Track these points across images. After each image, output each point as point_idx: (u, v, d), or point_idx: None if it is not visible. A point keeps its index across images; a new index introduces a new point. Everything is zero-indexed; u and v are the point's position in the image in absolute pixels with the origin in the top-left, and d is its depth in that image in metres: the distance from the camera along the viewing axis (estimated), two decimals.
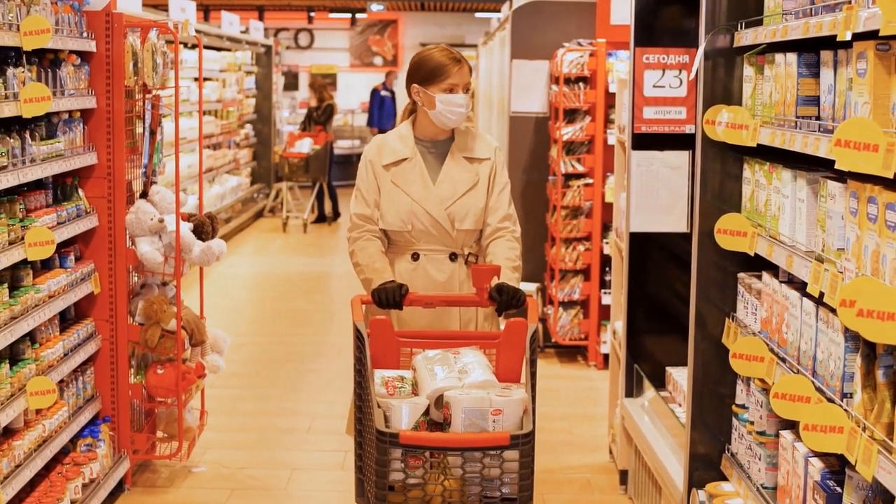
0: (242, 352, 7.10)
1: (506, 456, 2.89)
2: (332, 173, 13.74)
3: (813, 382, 2.70)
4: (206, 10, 17.85)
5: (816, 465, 2.73)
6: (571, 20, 7.28)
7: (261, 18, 18.45)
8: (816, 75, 2.80)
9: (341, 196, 13.98)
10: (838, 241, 2.59)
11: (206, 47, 11.36)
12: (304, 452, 5.35)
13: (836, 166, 2.36)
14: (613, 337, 5.18)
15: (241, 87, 13.70)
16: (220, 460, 5.15)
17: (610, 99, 6.77)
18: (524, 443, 2.88)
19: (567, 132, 6.92)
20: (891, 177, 2.17)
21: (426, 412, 3.03)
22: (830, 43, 2.63)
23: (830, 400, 2.57)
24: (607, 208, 6.63)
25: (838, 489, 2.61)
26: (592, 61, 6.85)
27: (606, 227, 6.80)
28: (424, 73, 3.68)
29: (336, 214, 13.72)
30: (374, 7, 19.71)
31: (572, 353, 7.18)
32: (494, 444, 2.88)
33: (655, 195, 4.59)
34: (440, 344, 3.31)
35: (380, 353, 3.28)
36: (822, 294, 2.58)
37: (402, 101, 18.15)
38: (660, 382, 4.55)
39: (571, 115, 7.00)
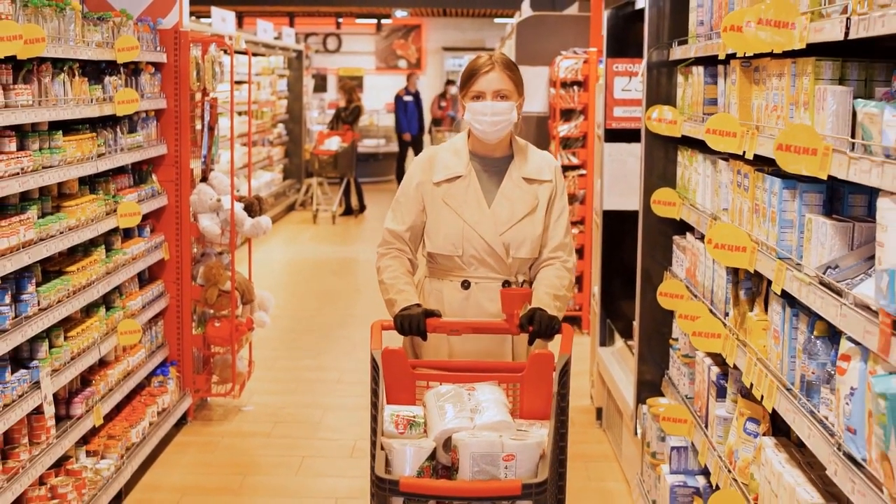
0: (280, 322, 8.11)
1: None
2: (357, 170, 14.77)
3: (710, 309, 3.67)
4: (239, 17, 18.91)
5: (714, 370, 3.71)
6: (568, 31, 8.28)
7: (291, 24, 19.50)
8: (715, 83, 3.77)
9: (366, 191, 15.07)
10: (724, 203, 3.56)
11: (244, 53, 12.42)
12: (334, 397, 6.36)
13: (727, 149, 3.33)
14: (592, 298, 6.16)
15: (274, 89, 14.77)
16: (264, 402, 6.18)
17: None
18: (538, 492, 2.56)
19: (563, 129, 7.92)
20: (740, 153, 3.15)
21: (432, 455, 2.77)
22: (725, 59, 3.61)
23: (717, 317, 3.55)
24: None
25: (724, 384, 3.59)
26: (585, 67, 7.83)
27: None
28: (461, 83, 3.46)
29: (362, 207, 14.73)
30: (399, 13, 20.76)
31: (567, 322, 8.14)
32: (504, 493, 2.57)
33: (624, 179, 5.57)
34: (458, 377, 3.05)
35: (394, 386, 3.05)
36: None
37: (426, 103, 19.09)
38: (628, 335, 5.53)
39: (567, 115, 8.00)
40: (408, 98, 17.55)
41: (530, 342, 3.23)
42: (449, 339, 3.38)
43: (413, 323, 3.18)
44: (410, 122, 17.35)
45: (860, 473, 2.20)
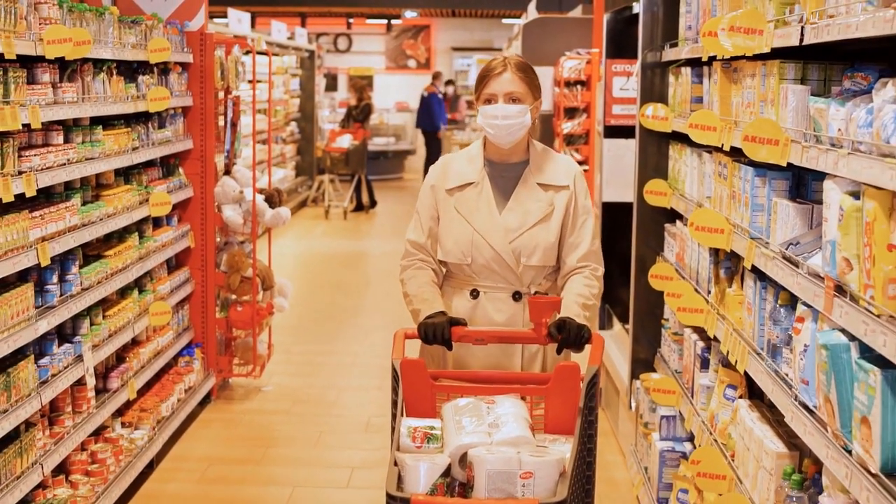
0: (296, 311, 8.47)
1: None
2: (368, 167, 15.13)
3: (695, 288, 4.03)
4: (252, 18, 19.27)
5: (699, 344, 4.06)
6: (572, 33, 8.65)
7: (303, 25, 19.87)
8: (700, 82, 4.12)
9: (376, 188, 15.45)
10: (708, 192, 3.92)
11: (260, 53, 12.80)
12: (349, 379, 6.73)
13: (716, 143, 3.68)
14: None
15: (287, 88, 15.15)
16: (283, 383, 6.56)
17: None
18: None
19: (567, 127, 8.28)
20: (719, 146, 3.51)
21: (447, 472, 2.66)
22: (709, 61, 3.96)
23: (700, 294, 3.91)
24: None
25: (708, 356, 3.94)
26: (588, 67, 8.19)
27: None
28: (475, 85, 3.39)
29: (373, 204, 15.10)
30: (409, 13, 21.13)
31: None
32: None
33: (622, 173, 5.93)
34: (480, 389, 2.97)
35: (414, 397, 2.96)
36: None
37: None
38: (626, 319, 5.86)
39: (571, 113, 8.36)
40: (440, 95, 17.73)
41: (558, 351, 3.10)
42: (457, 347, 3.27)
43: (438, 332, 3.08)
44: (441, 118, 17.56)
45: (811, 418, 2.56)
